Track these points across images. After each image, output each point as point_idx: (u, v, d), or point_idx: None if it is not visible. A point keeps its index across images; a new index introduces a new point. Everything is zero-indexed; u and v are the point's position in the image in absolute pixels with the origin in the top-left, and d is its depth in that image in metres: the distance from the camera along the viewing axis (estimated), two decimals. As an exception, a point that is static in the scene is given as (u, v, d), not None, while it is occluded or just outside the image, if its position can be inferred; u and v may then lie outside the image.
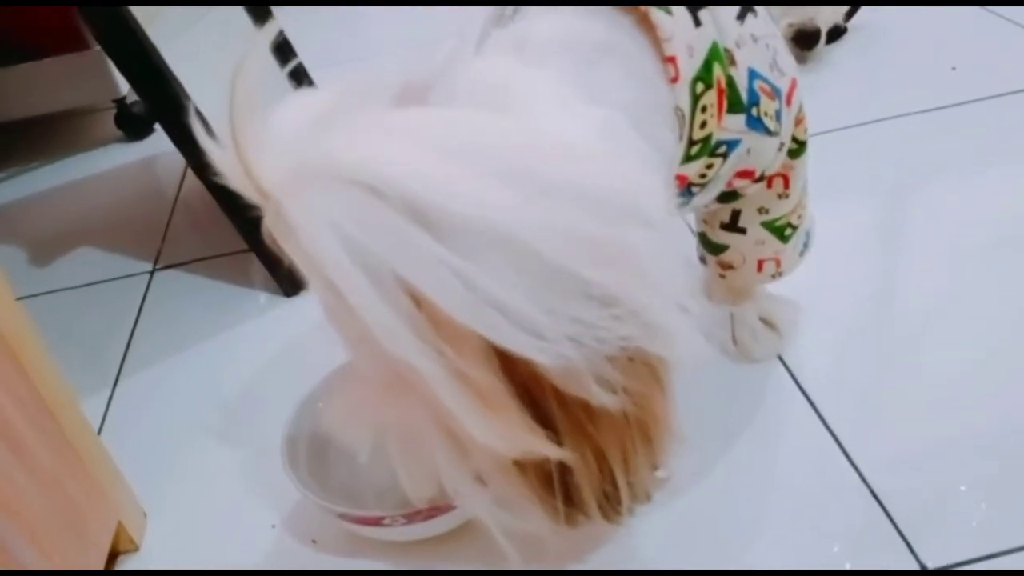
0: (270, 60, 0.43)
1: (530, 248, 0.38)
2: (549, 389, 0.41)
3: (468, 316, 0.38)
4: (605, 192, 0.41)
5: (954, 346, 0.74)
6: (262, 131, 0.41)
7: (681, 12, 0.52)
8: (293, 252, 0.40)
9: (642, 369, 0.43)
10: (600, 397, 0.41)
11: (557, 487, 0.45)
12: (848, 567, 0.58)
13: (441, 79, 0.49)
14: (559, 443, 0.43)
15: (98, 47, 1.24)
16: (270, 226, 0.41)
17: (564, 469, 0.45)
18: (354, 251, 0.37)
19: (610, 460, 0.45)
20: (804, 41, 1.23)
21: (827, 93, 1.15)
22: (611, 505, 0.47)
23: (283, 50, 1.05)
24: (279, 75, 0.72)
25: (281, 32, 1.03)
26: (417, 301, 0.38)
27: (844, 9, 1.28)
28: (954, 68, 1.15)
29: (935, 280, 0.81)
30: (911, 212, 0.92)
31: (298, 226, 0.38)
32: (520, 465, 0.45)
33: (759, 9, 0.57)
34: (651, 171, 0.49)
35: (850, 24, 1.29)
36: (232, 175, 0.41)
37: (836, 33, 1.27)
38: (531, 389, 0.42)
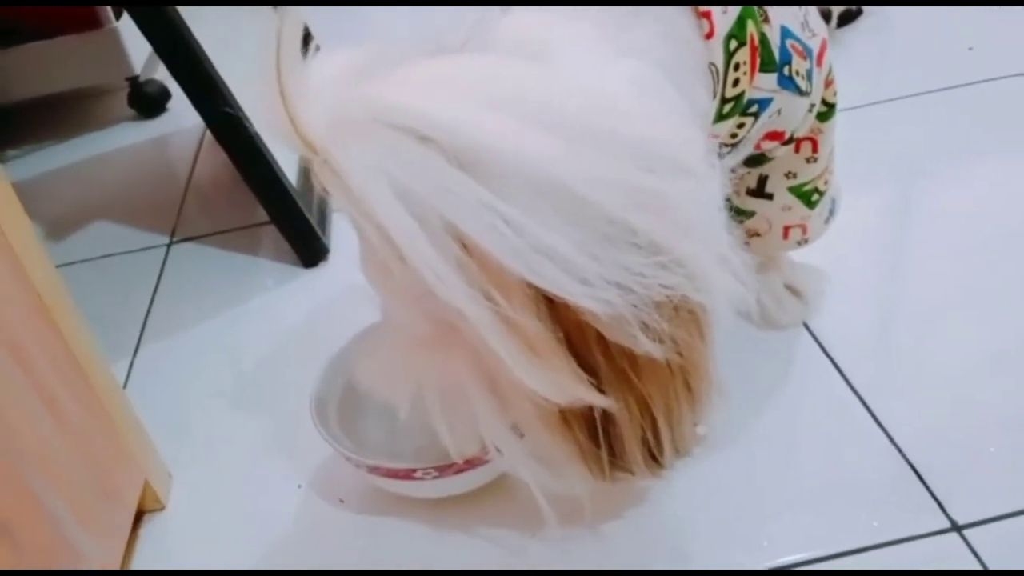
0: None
1: (576, 195, 0.39)
2: (594, 337, 0.42)
3: (516, 262, 0.38)
4: (648, 142, 0.41)
5: (982, 316, 0.74)
6: (304, 83, 0.41)
7: (715, -32, 0.52)
8: (342, 201, 0.40)
9: (685, 317, 0.43)
10: (645, 345, 0.41)
11: (601, 437, 0.45)
12: (877, 525, 0.58)
13: (475, 35, 0.49)
14: (603, 392, 0.43)
15: (111, 26, 1.24)
16: (318, 175, 0.40)
17: (608, 420, 0.45)
18: (404, 197, 0.37)
19: (653, 410, 0.45)
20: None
21: (840, 73, 1.14)
22: (653, 458, 0.47)
23: (304, 37, 1.04)
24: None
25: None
26: (466, 247, 0.39)
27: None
28: (971, 48, 1.15)
29: (955, 254, 0.81)
30: (931, 187, 0.92)
31: (347, 174, 0.38)
32: (564, 416, 0.45)
33: (791, -32, 0.57)
34: (690, 124, 0.49)
35: (864, 8, 1.28)
36: (277, 128, 0.41)
37: (849, 16, 1.27)
38: (577, 337, 0.42)
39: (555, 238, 0.38)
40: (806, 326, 0.75)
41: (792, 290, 0.75)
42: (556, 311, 0.41)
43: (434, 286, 0.38)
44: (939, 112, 1.04)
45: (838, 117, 0.64)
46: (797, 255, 0.74)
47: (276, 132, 0.41)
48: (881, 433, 0.65)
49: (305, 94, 0.40)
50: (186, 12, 0.85)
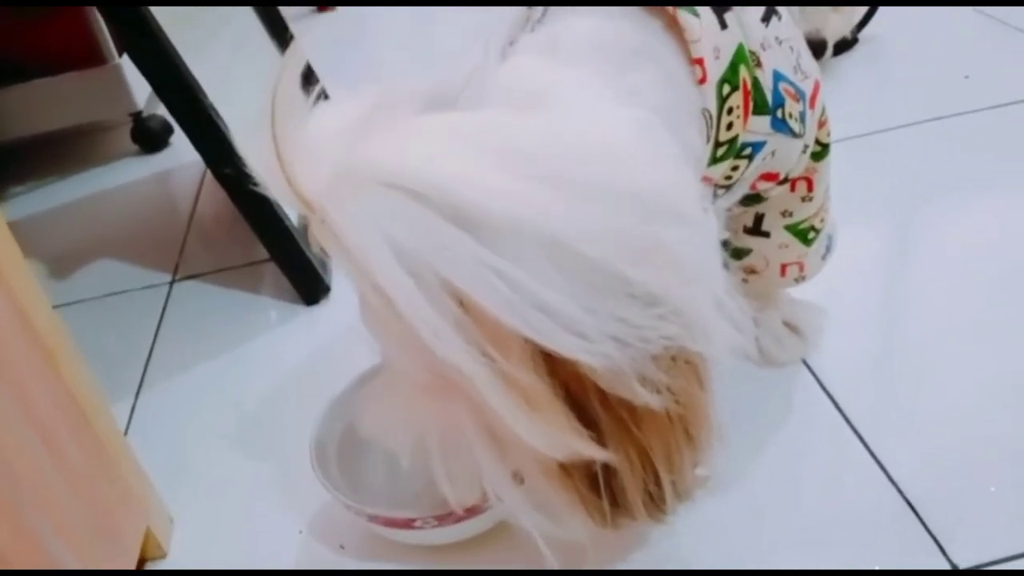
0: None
1: (572, 248, 0.39)
2: (593, 390, 0.42)
3: (513, 318, 0.38)
4: (643, 191, 0.42)
5: (980, 350, 0.74)
6: (302, 140, 0.41)
7: (707, 15, 0.53)
8: (339, 258, 0.40)
9: (684, 367, 0.43)
10: (644, 397, 0.41)
11: (603, 488, 0.45)
12: (878, 568, 0.58)
13: (472, 83, 0.49)
14: (603, 444, 0.43)
15: (114, 62, 1.25)
16: (315, 233, 0.41)
17: (609, 470, 0.45)
18: (401, 255, 0.38)
19: (654, 459, 0.45)
20: (810, 51, 1.23)
21: (835, 103, 1.15)
22: (655, 504, 0.47)
23: (307, 76, 1.06)
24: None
25: (307, 61, 1.04)
26: (463, 304, 0.39)
27: (854, 21, 1.28)
28: (967, 76, 1.16)
29: (954, 287, 0.81)
30: (929, 219, 0.93)
31: (344, 233, 0.38)
32: (565, 468, 0.45)
33: (782, 11, 0.58)
34: (686, 170, 0.49)
35: (860, 36, 1.30)
36: (274, 185, 0.41)
37: (845, 45, 1.28)
38: (575, 390, 0.42)
39: (552, 294, 0.39)
40: (805, 363, 0.75)
41: (791, 327, 0.75)
42: (554, 365, 0.41)
43: (431, 343, 0.39)
44: (936, 141, 1.04)
45: (834, 146, 0.65)
46: (795, 291, 0.75)
47: (273, 190, 0.41)
48: (880, 472, 0.64)
49: (303, 151, 0.41)
50: (185, 48, 0.86)
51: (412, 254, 0.38)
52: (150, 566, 0.67)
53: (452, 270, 0.38)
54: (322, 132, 0.43)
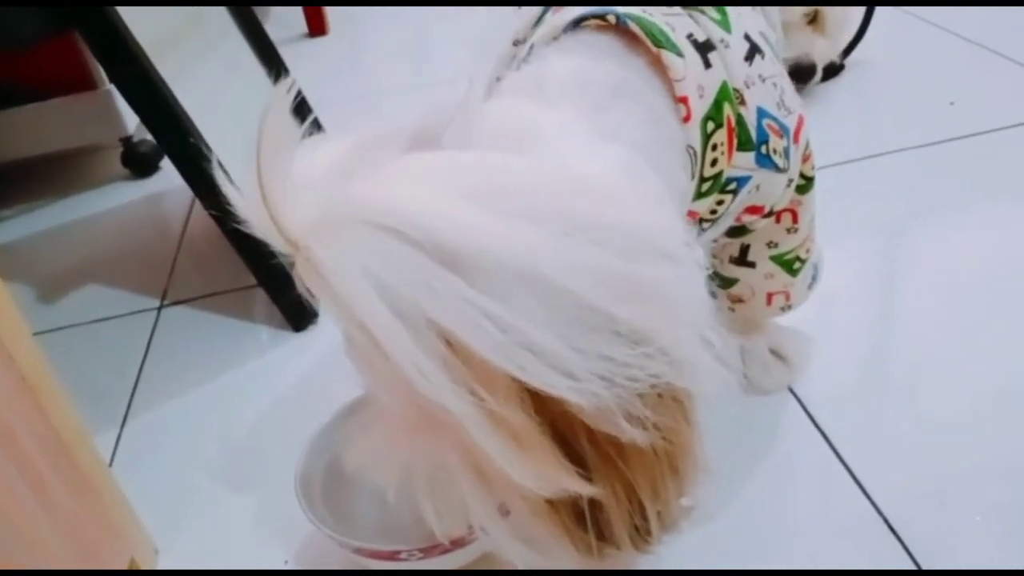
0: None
1: (558, 287, 0.39)
2: (580, 427, 0.42)
3: (499, 357, 0.38)
4: (628, 229, 0.42)
5: (963, 376, 0.74)
6: (287, 180, 0.41)
7: (691, 54, 0.54)
8: (324, 298, 0.40)
9: (670, 404, 0.43)
10: (630, 433, 0.41)
11: (589, 522, 0.46)
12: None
13: (457, 122, 0.50)
14: (590, 480, 0.43)
15: (105, 87, 1.25)
16: (300, 273, 0.41)
17: (595, 504, 0.45)
18: (385, 295, 0.38)
19: (640, 494, 0.45)
20: (798, 76, 1.25)
21: (822, 128, 1.16)
22: (641, 536, 0.47)
23: (299, 108, 1.06)
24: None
25: (299, 92, 1.05)
26: (449, 343, 0.39)
27: (840, 46, 1.30)
28: (952, 103, 1.17)
29: (939, 313, 0.82)
30: (914, 245, 0.94)
31: (329, 272, 0.38)
32: (552, 503, 0.45)
33: (766, 50, 0.59)
34: (670, 207, 0.50)
35: (846, 61, 1.31)
36: (258, 224, 0.41)
37: (832, 71, 1.29)
38: (562, 427, 0.42)
39: (539, 332, 0.39)
40: (791, 390, 0.75)
41: (777, 354, 0.76)
42: (541, 403, 0.41)
43: (418, 382, 0.39)
44: (921, 168, 1.05)
45: (820, 172, 0.65)
46: (782, 318, 0.75)
47: (257, 228, 0.42)
48: (864, 498, 0.65)
49: (288, 190, 0.41)
50: (171, 74, 0.86)
51: (397, 293, 0.38)
52: (134, 598, 0.67)
53: (438, 309, 0.38)
54: (308, 171, 0.43)
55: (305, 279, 0.40)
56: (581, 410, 0.40)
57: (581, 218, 0.41)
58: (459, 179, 0.41)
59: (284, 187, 0.41)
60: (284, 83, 0.45)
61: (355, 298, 0.38)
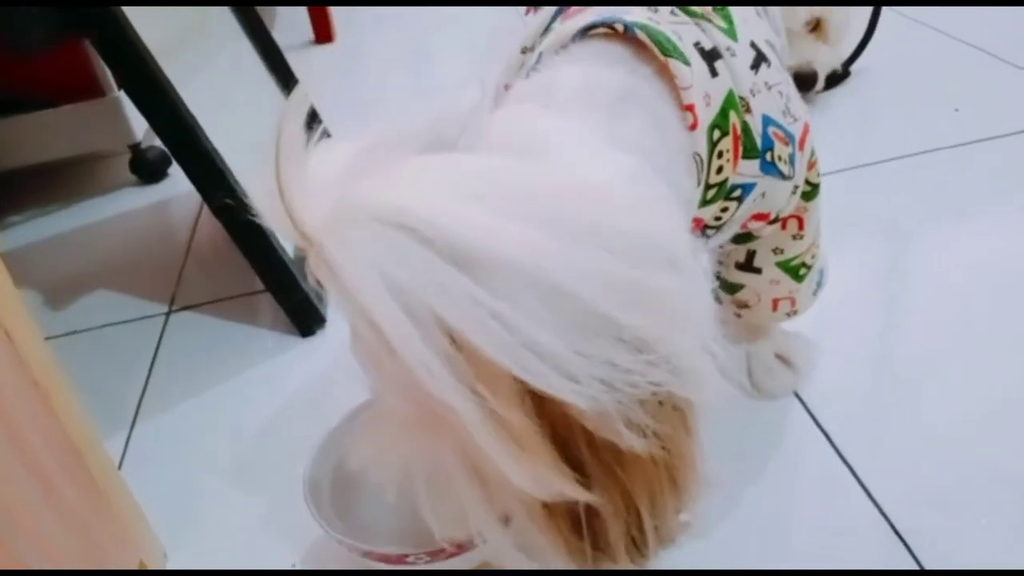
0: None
1: (564, 291, 0.40)
2: (580, 432, 0.42)
3: (504, 357, 0.39)
4: (636, 236, 0.42)
5: (968, 380, 0.74)
6: (304, 176, 0.42)
7: (698, 63, 0.54)
8: (335, 293, 0.41)
9: (671, 413, 0.44)
10: (630, 440, 0.42)
11: (585, 530, 0.46)
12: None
13: (469, 128, 0.50)
14: (587, 486, 0.43)
15: (113, 95, 1.26)
16: (312, 268, 0.42)
17: (592, 512, 0.45)
18: (395, 292, 0.38)
19: (637, 503, 0.45)
20: (800, 85, 1.25)
21: (826, 135, 1.17)
22: (637, 548, 0.47)
23: (311, 117, 1.07)
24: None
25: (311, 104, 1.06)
26: (455, 341, 0.39)
27: (844, 54, 1.30)
28: (957, 109, 1.17)
29: (944, 319, 0.82)
30: (919, 251, 0.94)
31: (341, 268, 0.39)
32: (549, 508, 0.45)
33: (772, 58, 0.59)
34: (677, 215, 0.50)
35: (851, 69, 1.31)
36: (274, 219, 0.42)
37: (836, 79, 1.29)
38: (562, 431, 0.42)
39: (544, 335, 0.39)
40: (797, 395, 0.75)
41: (783, 360, 0.76)
42: (542, 405, 0.41)
43: (422, 379, 0.39)
44: (926, 174, 1.05)
45: (825, 179, 0.66)
46: (787, 323, 0.75)
47: (274, 224, 0.42)
48: (871, 504, 0.65)
49: (304, 189, 0.42)
50: (176, 77, 0.87)
51: (407, 290, 0.38)
52: (143, 601, 0.67)
53: (446, 307, 0.38)
54: (323, 169, 0.43)
55: (317, 274, 0.41)
56: (581, 414, 0.41)
57: (590, 224, 0.41)
58: (471, 181, 0.42)
59: (300, 184, 0.41)
60: (299, 90, 0.46)
61: (365, 293, 0.38)
